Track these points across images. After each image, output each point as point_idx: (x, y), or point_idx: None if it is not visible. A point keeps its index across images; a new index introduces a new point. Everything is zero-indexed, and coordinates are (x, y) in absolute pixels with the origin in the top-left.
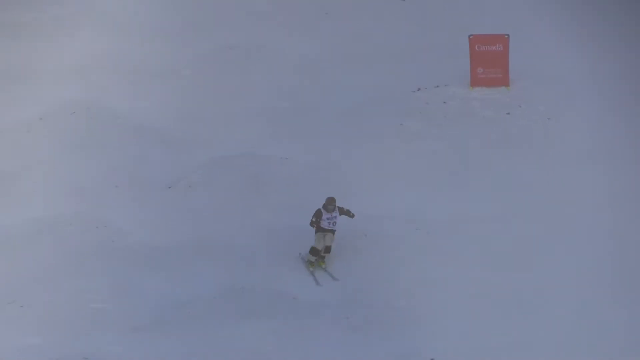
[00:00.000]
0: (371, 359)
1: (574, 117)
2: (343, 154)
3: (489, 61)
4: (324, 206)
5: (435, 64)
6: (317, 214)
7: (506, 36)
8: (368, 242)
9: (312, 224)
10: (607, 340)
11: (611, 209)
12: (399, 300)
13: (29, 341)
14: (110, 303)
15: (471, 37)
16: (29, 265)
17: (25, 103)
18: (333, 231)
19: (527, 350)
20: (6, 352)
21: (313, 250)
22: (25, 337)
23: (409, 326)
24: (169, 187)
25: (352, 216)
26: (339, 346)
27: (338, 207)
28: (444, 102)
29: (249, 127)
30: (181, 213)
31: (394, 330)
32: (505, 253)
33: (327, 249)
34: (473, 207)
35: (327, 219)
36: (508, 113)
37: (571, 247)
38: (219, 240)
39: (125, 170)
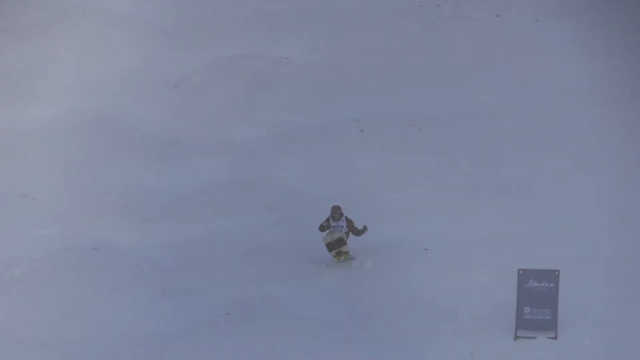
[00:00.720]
0: (370, 245)
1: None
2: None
3: None
4: (331, 215)
5: None
6: (326, 222)
7: None
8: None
9: (321, 228)
10: (591, 226)
11: (599, 99)
12: (393, 194)
13: (40, 232)
14: (119, 196)
15: None
16: (41, 161)
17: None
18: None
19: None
20: (19, 242)
21: (328, 247)
22: (37, 228)
23: (403, 217)
24: (175, 86)
25: (361, 232)
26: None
27: (346, 217)
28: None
29: (253, 27)
30: (186, 110)
31: (389, 220)
32: (494, 146)
33: (340, 242)
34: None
35: (334, 227)
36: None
37: (558, 142)
38: (222, 136)
39: (133, 69)
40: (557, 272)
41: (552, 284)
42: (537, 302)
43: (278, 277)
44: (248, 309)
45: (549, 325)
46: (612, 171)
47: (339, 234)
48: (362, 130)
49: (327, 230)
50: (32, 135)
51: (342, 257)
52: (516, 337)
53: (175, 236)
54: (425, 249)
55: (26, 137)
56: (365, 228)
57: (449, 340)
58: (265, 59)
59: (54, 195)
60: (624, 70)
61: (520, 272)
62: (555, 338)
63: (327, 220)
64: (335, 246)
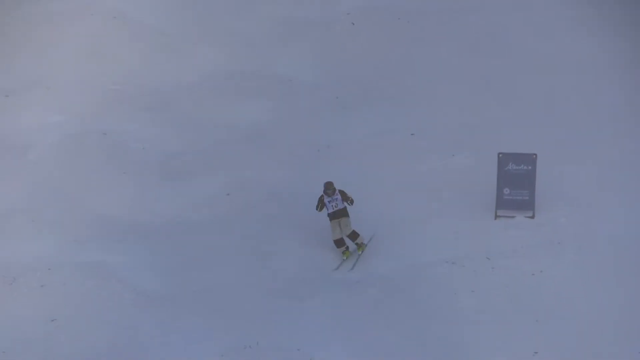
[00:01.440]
0: (360, 131)
1: None
2: None
3: None
4: (324, 191)
5: None
6: (320, 200)
7: None
8: None
9: (317, 208)
10: (567, 113)
11: None
12: (383, 82)
13: (52, 119)
14: (126, 85)
15: None
16: (55, 51)
17: None
18: (345, 215)
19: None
20: (33, 128)
21: (336, 243)
22: (49, 115)
23: (390, 106)
24: None
25: (351, 202)
26: (331, 122)
27: (339, 190)
28: None
29: None
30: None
31: (378, 110)
32: (478, 39)
33: (352, 236)
34: None
35: (329, 201)
36: None
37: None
38: (222, 27)
39: None
40: (534, 156)
41: (529, 167)
42: (515, 183)
43: (274, 162)
44: (247, 190)
45: (527, 205)
46: (590, 70)
47: (347, 227)
48: (353, 24)
49: (335, 221)
50: (47, 27)
51: (359, 252)
52: (496, 217)
53: (179, 121)
54: (412, 134)
55: (43, 31)
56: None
57: (435, 219)
58: None
59: (66, 85)
60: None
61: (500, 155)
62: (532, 217)
63: (321, 198)
64: (344, 242)
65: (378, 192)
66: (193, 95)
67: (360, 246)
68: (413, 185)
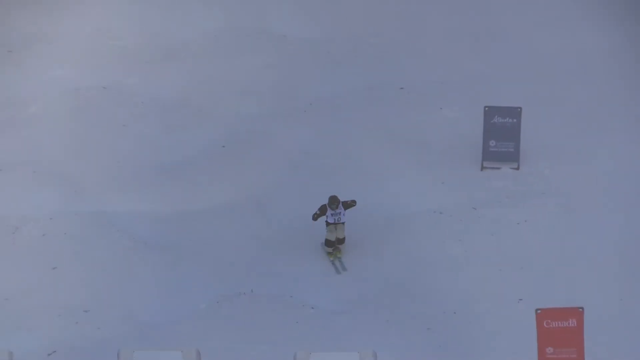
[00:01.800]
0: (351, 86)
1: None
2: None
3: None
4: (329, 204)
5: None
6: (322, 209)
7: None
8: None
9: (314, 217)
10: (552, 68)
11: None
12: (372, 38)
13: (53, 73)
14: (126, 41)
15: None
16: (56, 6)
17: None
18: (342, 223)
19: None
20: (34, 82)
21: (327, 242)
22: (50, 69)
23: (379, 60)
24: None
25: (354, 204)
26: (322, 76)
27: (342, 202)
28: None
29: None
30: None
31: (367, 64)
32: None
33: (340, 241)
34: None
35: (332, 214)
36: None
37: None
38: None
39: None
40: (519, 109)
41: (515, 120)
42: (501, 136)
43: (267, 114)
44: (242, 142)
45: (512, 157)
46: (577, 28)
47: (342, 233)
48: None
49: (332, 226)
50: None
51: (339, 255)
52: (482, 168)
53: (177, 76)
54: (401, 88)
55: None
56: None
57: (423, 170)
58: None
59: (67, 38)
60: None
61: (486, 108)
62: (517, 168)
63: (322, 208)
64: (334, 244)
65: (367, 144)
66: (190, 51)
67: (339, 251)
68: (401, 138)
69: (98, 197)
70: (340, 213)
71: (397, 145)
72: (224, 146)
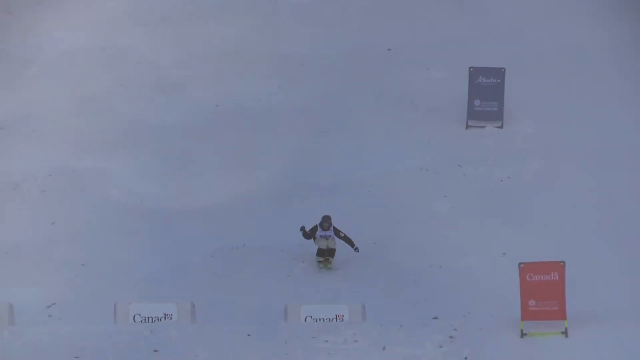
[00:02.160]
0: (339, 46)
1: None
2: None
3: None
4: (320, 224)
5: None
6: (313, 229)
7: None
8: None
9: (304, 234)
10: (535, 27)
11: None
12: (360, 1)
13: (52, 35)
14: (122, 3)
15: None
16: None
17: None
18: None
19: None
20: (34, 43)
21: (319, 252)
22: (49, 31)
23: (368, 23)
24: None
25: (355, 247)
26: (312, 37)
27: (335, 227)
28: None
29: None
30: None
31: (357, 26)
32: None
33: (331, 252)
34: None
35: (321, 236)
36: None
37: None
38: None
39: None
40: (503, 70)
41: (499, 80)
42: (485, 95)
43: (259, 75)
44: (236, 102)
45: (496, 116)
46: None
47: (333, 244)
48: None
49: (320, 236)
50: None
51: (328, 265)
52: (467, 126)
53: (171, 38)
54: (389, 49)
55: None
56: (356, 249)
57: (410, 128)
58: None
59: (66, 1)
60: None
61: (471, 69)
62: (501, 127)
63: (314, 228)
64: (325, 254)
65: (355, 104)
66: (183, 13)
67: (328, 263)
68: (388, 97)
69: (96, 155)
70: (329, 236)
71: (384, 104)
72: (217, 105)
